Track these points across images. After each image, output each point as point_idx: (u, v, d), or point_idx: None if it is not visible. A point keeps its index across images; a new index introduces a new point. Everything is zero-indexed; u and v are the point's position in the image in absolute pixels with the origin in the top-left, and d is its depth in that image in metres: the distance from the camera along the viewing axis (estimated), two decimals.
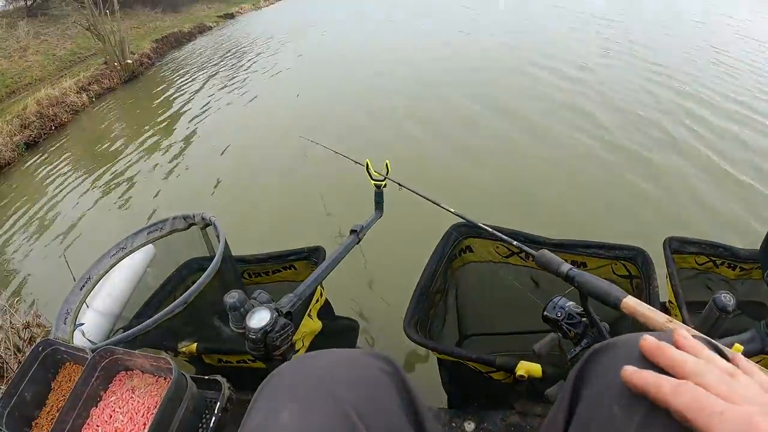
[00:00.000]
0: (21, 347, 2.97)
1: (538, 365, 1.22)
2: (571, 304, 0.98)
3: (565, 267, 1.07)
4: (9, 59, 11.75)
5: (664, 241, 1.48)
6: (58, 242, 4.60)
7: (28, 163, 6.83)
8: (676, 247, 1.50)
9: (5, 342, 2.97)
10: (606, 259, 1.48)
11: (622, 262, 1.46)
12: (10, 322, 3.15)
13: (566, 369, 1.20)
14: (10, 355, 2.88)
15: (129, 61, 9.67)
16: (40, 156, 6.95)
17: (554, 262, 1.10)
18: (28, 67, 11.51)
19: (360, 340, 2.16)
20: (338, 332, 1.96)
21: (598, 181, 3.67)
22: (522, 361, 1.23)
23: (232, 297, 1.10)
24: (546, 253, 1.14)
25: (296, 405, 0.58)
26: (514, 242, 1.38)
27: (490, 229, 1.48)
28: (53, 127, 7.75)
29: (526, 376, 1.22)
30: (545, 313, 1.01)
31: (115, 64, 9.50)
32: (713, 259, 1.55)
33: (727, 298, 0.99)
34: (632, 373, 0.43)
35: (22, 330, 3.08)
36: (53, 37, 13.05)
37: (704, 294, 1.60)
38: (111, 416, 1.20)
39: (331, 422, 0.56)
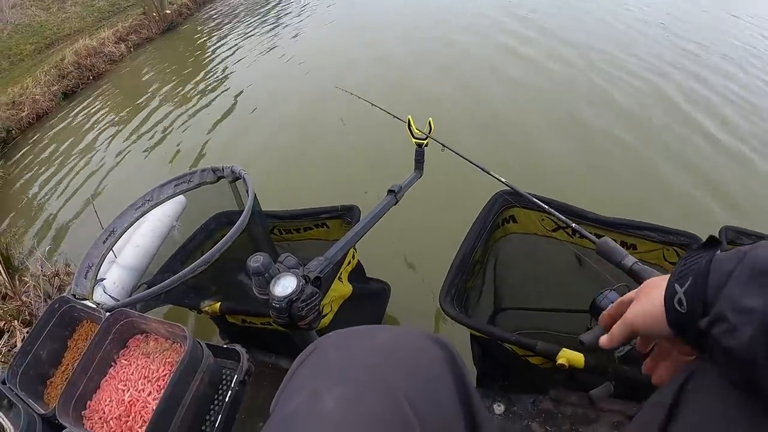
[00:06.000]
0: (51, 294, 3.02)
1: (581, 355, 1.13)
2: None
3: (630, 260, 0.97)
4: (47, 11, 11.74)
5: (720, 230, 1.36)
6: (90, 191, 4.60)
7: (65, 112, 6.85)
8: (731, 237, 1.37)
9: (35, 289, 3.02)
10: (658, 243, 1.38)
11: (675, 248, 1.36)
12: (41, 270, 3.20)
13: (612, 364, 1.12)
14: (41, 302, 2.92)
15: (168, 11, 9.50)
16: (78, 105, 6.96)
17: (617, 254, 1.00)
18: (66, 19, 11.50)
19: (389, 305, 2.09)
20: (369, 295, 1.89)
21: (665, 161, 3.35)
22: (564, 349, 1.15)
23: (256, 261, 1.00)
24: (609, 242, 1.05)
25: (344, 390, 0.50)
26: (563, 217, 1.29)
27: (539, 201, 1.37)
28: (91, 77, 7.73)
29: (567, 365, 1.14)
30: (597, 304, 0.90)
31: (154, 14, 9.37)
32: None
33: None
34: None
35: (51, 278, 3.12)
36: None
37: None
38: (123, 383, 1.14)
39: (383, 414, 0.47)
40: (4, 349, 2.65)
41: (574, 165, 3.35)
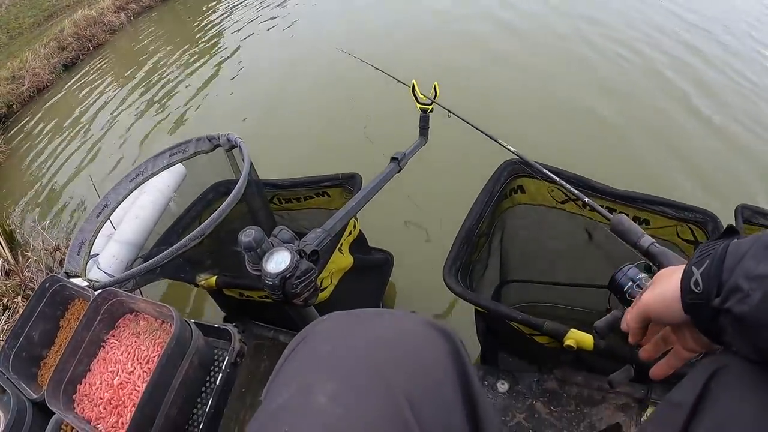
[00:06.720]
0: (53, 269, 2.99)
1: (590, 336, 1.08)
2: (643, 276, 0.81)
3: (646, 241, 0.89)
4: None
5: (736, 208, 1.30)
6: (91, 163, 4.56)
7: (66, 84, 6.79)
8: (747, 216, 1.31)
9: (37, 264, 3.00)
10: (672, 220, 1.31)
11: (690, 225, 1.29)
12: (43, 244, 3.17)
13: (627, 348, 1.06)
14: (43, 277, 2.90)
15: None
16: (78, 76, 6.89)
17: (633, 233, 0.93)
18: None
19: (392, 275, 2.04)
20: (371, 266, 1.84)
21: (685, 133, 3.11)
22: (573, 330, 1.09)
23: (248, 235, 0.94)
24: (624, 221, 0.97)
25: (336, 385, 0.45)
26: (575, 190, 1.22)
27: (548, 171, 1.30)
28: (91, 48, 7.63)
29: (575, 347, 1.09)
30: (616, 280, 0.83)
31: None
32: None
33: None
34: None
35: (53, 252, 3.09)
36: None
37: None
38: (113, 364, 1.10)
39: (380, 416, 0.42)
40: (7, 327, 2.64)
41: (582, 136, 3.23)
